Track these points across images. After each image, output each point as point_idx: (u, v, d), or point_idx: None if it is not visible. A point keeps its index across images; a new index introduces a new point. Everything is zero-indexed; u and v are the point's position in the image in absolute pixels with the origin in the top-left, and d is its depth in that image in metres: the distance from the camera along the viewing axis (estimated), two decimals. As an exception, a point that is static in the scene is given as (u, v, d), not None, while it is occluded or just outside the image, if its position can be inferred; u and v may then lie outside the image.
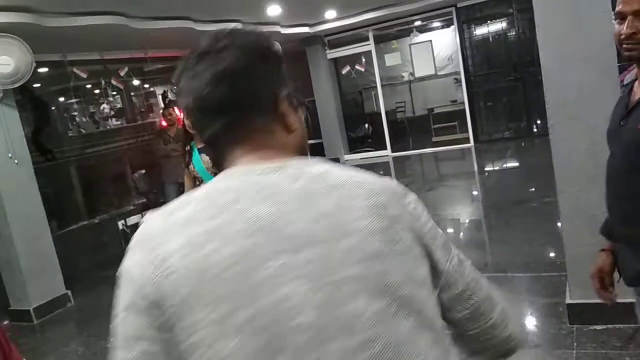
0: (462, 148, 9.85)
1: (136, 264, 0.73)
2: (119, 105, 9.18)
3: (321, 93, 10.66)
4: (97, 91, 8.46)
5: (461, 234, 5.44)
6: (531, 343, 3.03)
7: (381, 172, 9.08)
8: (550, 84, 2.87)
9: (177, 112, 6.14)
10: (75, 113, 8.56)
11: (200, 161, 3.59)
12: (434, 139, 10.65)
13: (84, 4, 4.93)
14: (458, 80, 10.40)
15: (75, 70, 6.75)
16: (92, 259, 5.98)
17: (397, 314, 0.72)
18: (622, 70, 2.69)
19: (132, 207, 7.18)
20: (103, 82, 7.84)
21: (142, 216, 7.01)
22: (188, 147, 3.75)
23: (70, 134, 7.90)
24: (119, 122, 8.91)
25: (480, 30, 9.89)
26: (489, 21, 9.81)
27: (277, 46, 0.88)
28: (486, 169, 8.65)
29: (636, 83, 1.57)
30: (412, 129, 11.45)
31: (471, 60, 9.91)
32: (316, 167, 0.80)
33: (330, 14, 8.81)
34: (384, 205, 0.77)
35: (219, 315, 0.67)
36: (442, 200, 7.01)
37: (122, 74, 7.58)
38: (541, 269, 3.88)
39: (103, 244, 6.45)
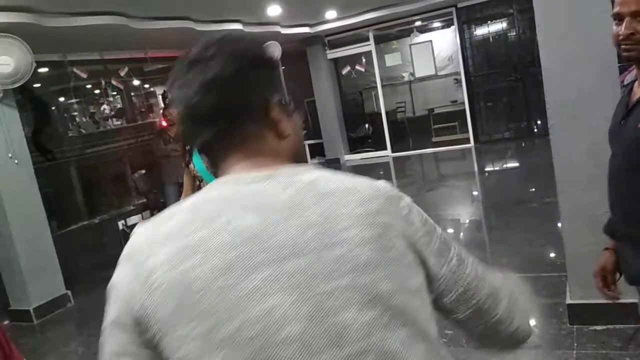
0: (463, 148, 9.84)
1: (122, 279, 0.74)
2: (119, 106, 9.18)
3: (321, 93, 10.67)
4: (97, 91, 8.46)
5: (461, 234, 5.43)
6: (531, 343, 3.03)
7: (381, 173, 9.09)
8: (551, 84, 2.87)
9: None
10: (76, 113, 8.56)
11: (201, 161, 3.59)
12: (434, 139, 10.65)
13: (84, 4, 4.93)
14: (458, 81, 10.39)
15: (75, 70, 6.75)
16: (92, 259, 5.98)
17: (389, 324, 0.71)
18: (622, 70, 2.69)
19: (132, 207, 7.18)
20: (103, 82, 7.84)
21: (143, 216, 7.02)
22: (188, 147, 3.75)
23: (70, 134, 7.90)
24: (119, 122, 8.91)
25: (481, 31, 9.89)
26: (489, 21, 9.81)
27: (271, 51, 0.87)
28: (486, 169, 8.65)
29: (636, 83, 1.58)
30: (412, 129, 11.45)
31: (471, 61, 9.91)
32: (307, 174, 0.79)
33: (331, 14, 8.81)
34: (375, 213, 0.76)
35: (203, 330, 0.67)
36: (443, 200, 7.00)
37: (122, 74, 7.58)
38: (541, 269, 3.87)
39: (103, 244, 6.45)
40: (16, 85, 4.77)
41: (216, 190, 0.78)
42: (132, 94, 9.22)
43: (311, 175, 0.79)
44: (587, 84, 2.76)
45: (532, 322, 0.82)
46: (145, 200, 7.28)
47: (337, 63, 11.11)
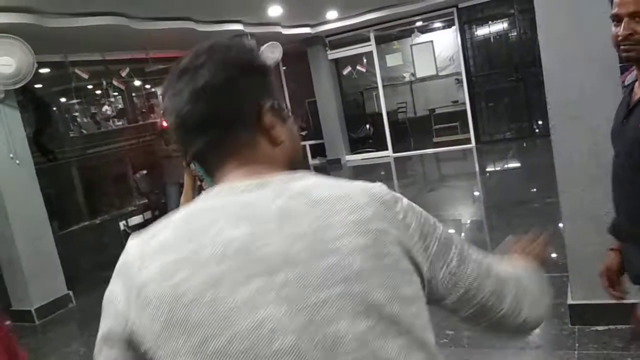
0: (464, 149, 9.84)
1: (114, 295, 0.74)
2: (120, 106, 9.20)
3: (322, 94, 10.67)
4: (98, 92, 8.48)
5: (462, 234, 5.43)
6: (533, 344, 3.03)
7: (382, 173, 9.08)
8: (552, 85, 2.87)
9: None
10: (77, 114, 8.58)
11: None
12: (435, 139, 10.65)
13: (85, 4, 4.94)
14: (459, 81, 10.39)
15: (76, 71, 6.75)
16: (94, 259, 5.98)
17: (384, 334, 0.70)
18: (623, 70, 2.69)
19: (133, 208, 7.18)
20: (104, 83, 7.85)
21: (144, 217, 7.03)
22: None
23: (71, 135, 7.91)
24: (120, 123, 8.93)
25: (482, 31, 9.89)
26: (490, 22, 9.81)
27: (264, 57, 0.86)
28: (487, 169, 8.65)
29: (637, 83, 1.58)
30: (413, 130, 11.45)
31: (472, 61, 9.91)
32: (300, 182, 0.78)
33: (332, 14, 8.81)
34: (369, 219, 0.74)
35: (193, 344, 0.67)
36: (444, 200, 7.00)
37: (123, 74, 7.59)
38: (543, 270, 3.87)
39: (104, 244, 6.46)
40: (18, 86, 4.78)
41: (209, 201, 0.77)
42: (133, 94, 9.23)
43: (304, 182, 0.78)
44: (588, 84, 2.76)
45: (545, 308, 0.82)
46: (146, 200, 7.29)
47: (338, 63, 11.11)
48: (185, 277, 0.69)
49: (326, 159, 10.90)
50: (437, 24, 10.84)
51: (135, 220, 6.91)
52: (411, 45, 10.67)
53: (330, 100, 10.68)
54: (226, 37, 0.87)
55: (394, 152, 10.59)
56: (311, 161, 11.16)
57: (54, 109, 7.65)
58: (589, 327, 2.96)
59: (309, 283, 0.69)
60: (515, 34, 9.68)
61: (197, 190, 3.13)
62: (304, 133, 11.50)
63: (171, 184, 6.16)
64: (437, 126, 10.91)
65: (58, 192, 6.59)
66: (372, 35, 10.19)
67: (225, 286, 0.68)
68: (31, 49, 4.71)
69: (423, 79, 11.45)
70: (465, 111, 9.91)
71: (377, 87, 10.63)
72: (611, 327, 2.90)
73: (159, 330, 0.68)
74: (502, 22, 9.79)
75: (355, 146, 11.24)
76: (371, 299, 0.70)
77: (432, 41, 10.53)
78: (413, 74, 11.41)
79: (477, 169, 8.79)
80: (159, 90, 9.26)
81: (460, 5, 9.43)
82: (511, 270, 0.92)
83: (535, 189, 6.39)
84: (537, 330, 3.16)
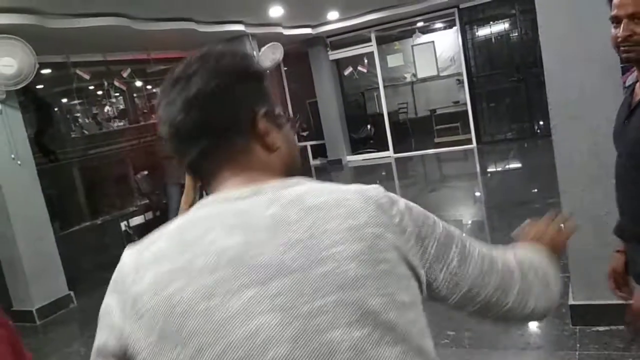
0: (465, 149, 9.84)
1: (110, 307, 0.74)
2: (121, 107, 9.21)
3: (323, 94, 10.67)
4: (99, 92, 8.49)
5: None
6: (534, 345, 3.03)
7: (383, 173, 9.06)
8: (553, 85, 2.87)
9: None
10: (78, 114, 8.59)
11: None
12: (437, 140, 10.65)
13: (86, 5, 4.94)
14: (460, 81, 10.39)
15: (78, 71, 6.76)
16: (95, 260, 5.98)
17: (380, 341, 0.69)
18: (624, 71, 2.69)
19: (134, 208, 7.18)
20: (106, 84, 7.86)
21: (145, 217, 7.03)
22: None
23: (73, 135, 7.91)
24: (121, 124, 8.93)
25: (483, 31, 9.89)
26: (491, 22, 9.81)
27: (257, 63, 0.86)
28: (489, 170, 8.65)
29: (638, 84, 1.59)
30: (414, 130, 11.45)
31: (474, 61, 9.91)
32: (295, 188, 0.77)
33: (333, 15, 8.82)
34: (364, 225, 0.73)
35: (188, 354, 0.67)
36: (445, 201, 7.00)
37: (124, 75, 7.59)
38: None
39: (106, 245, 6.46)
40: (19, 87, 4.78)
41: (203, 209, 0.77)
42: (135, 95, 9.24)
43: (298, 188, 0.77)
44: (589, 85, 2.76)
45: (554, 296, 0.81)
46: (147, 201, 7.29)
47: (339, 64, 11.11)
48: (179, 288, 0.69)
49: (327, 159, 10.90)
50: (438, 25, 10.84)
51: (137, 220, 6.91)
52: (412, 46, 10.68)
53: (331, 100, 10.68)
54: (220, 44, 0.86)
55: (395, 152, 10.59)
56: (312, 162, 11.16)
57: (56, 109, 7.66)
58: (590, 327, 2.96)
59: (303, 291, 0.68)
60: (516, 34, 9.68)
61: (199, 191, 3.13)
62: (305, 134, 11.50)
63: (172, 184, 6.16)
64: (438, 127, 10.90)
65: (59, 192, 6.59)
66: (373, 36, 10.19)
67: (219, 296, 0.68)
68: (33, 49, 4.72)
69: (424, 80, 11.45)
70: (466, 112, 9.91)
71: (378, 88, 10.63)
72: (612, 327, 2.90)
73: (155, 341, 0.68)
74: (503, 22, 9.79)
75: (356, 147, 11.25)
76: (367, 307, 0.69)
77: (433, 42, 10.53)
78: (414, 75, 11.41)
79: (478, 169, 8.79)
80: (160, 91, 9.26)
81: (461, 6, 9.43)
82: (517, 261, 0.90)
83: (536, 190, 6.38)
84: (538, 331, 3.16)
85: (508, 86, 9.68)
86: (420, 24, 10.28)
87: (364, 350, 0.68)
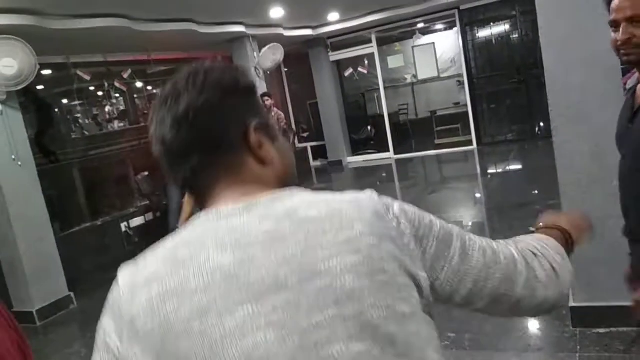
0: (465, 150, 9.84)
1: (105, 329, 0.74)
2: (122, 108, 9.21)
3: (324, 95, 10.68)
4: (100, 93, 8.49)
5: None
6: (534, 346, 3.02)
7: (384, 175, 9.05)
8: (554, 86, 2.87)
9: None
10: (79, 115, 8.59)
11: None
12: (437, 141, 10.65)
13: (87, 6, 4.95)
14: (461, 83, 10.39)
15: (78, 72, 6.77)
16: (95, 260, 5.99)
17: (381, 356, 0.68)
18: (625, 73, 2.69)
19: (135, 209, 7.18)
20: (106, 84, 7.87)
21: (145, 218, 7.03)
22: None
23: (73, 136, 7.92)
24: (122, 124, 8.93)
25: (484, 33, 9.89)
26: (492, 23, 9.82)
27: (248, 76, 0.85)
28: (489, 171, 8.64)
29: (639, 86, 1.59)
30: (414, 131, 11.45)
31: (474, 63, 9.91)
32: (288, 201, 0.75)
33: (333, 16, 8.82)
34: (360, 235, 0.72)
35: None
36: (445, 202, 7.00)
37: (125, 76, 7.60)
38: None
39: (106, 246, 6.46)
40: (20, 87, 4.79)
41: (196, 228, 0.76)
42: (135, 96, 9.25)
43: (292, 201, 0.75)
44: (590, 86, 2.76)
45: (564, 285, 0.80)
46: (148, 202, 7.29)
47: (340, 65, 11.12)
48: (174, 308, 0.68)
49: (327, 160, 10.90)
50: (439, 26, 10.84)
51: (137, 221, 6.91)
52: (413, 47, 10.67)
53: (332, 101, 10.69)
54: (208, 61, 0.86)
55: (396, 153, 10.59)
56: (312, 163, 11.17)
57: (56, 110, 7.66)
58: (590, 329, 2.96)
59: (300, 307, 0.67)
60: (517, 35, 9.68)
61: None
62: (305, 135, 11.51)
63: (172, 185, 6.15)
64: (439, 128, 10.90)
65: (60, 193, 6.59)
66: (373, 37, 10.20)
67: (213, 315, 0.67)
68: (33, 50, 4.73)
69: (425, 81, 11.45)
70: (466, 113, 9.91)
71: (378, 89, 10.64)
72: (613, 329, 2.89)
73: None
74: (504, 24, 9.79)
75: (357, 148, 11.25)
76: (365, 320, 0.68)
77: (433, 43, 10.53)
78: (415, 76, 11.41)
79: (478, 171, 8.79)
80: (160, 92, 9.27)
81: (462, 7, 9.44)
82: (521, 251, 0.88)
83: (537, 191, 6.38)
84: (538, 333, 3.16)
85: (508, 88, 9.68)
86: (420, 25, 10.29)
87: None
